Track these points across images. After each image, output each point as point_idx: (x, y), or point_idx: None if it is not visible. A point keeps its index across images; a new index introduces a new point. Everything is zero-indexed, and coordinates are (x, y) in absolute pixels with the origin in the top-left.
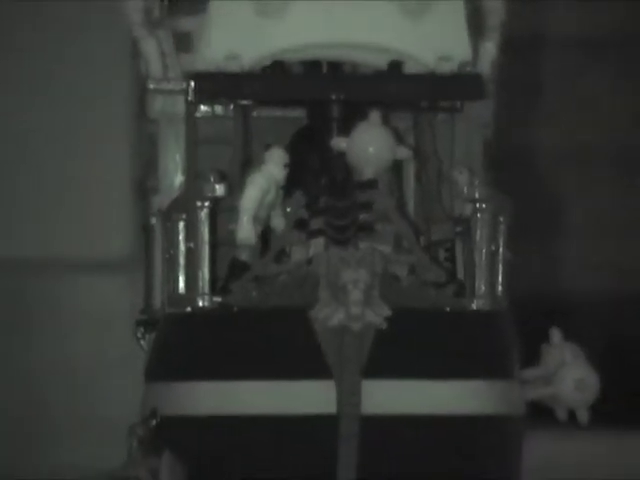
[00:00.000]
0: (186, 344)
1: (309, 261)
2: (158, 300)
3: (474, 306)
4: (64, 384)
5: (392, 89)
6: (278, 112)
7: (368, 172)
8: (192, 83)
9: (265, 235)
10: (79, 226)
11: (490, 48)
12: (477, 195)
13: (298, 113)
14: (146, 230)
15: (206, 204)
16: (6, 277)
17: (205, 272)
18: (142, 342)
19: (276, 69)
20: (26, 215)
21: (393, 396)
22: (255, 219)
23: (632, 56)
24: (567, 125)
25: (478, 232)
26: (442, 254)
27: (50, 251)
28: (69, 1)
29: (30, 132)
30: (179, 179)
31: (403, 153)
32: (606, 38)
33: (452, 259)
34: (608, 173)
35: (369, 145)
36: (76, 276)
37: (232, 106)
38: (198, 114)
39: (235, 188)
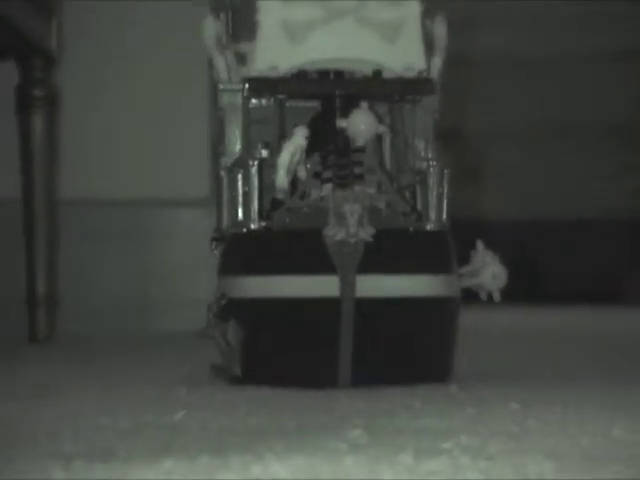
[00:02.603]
0: (243, 252)
1: (322, 199)
2: (225, 224)
3: (428, 227)
4: (165, 279)
5: (375, 88)
6: (302, 103)
7: (360, 141)
8: (247, 85)
9: (293, 182)
10: (175, 176)
11: (438, 61)
12: (430, 156)
13: (315, 104)
14: (217, 179)
15: (255, 162)
16: (124, 210)
17: (255, 206)
18: (215, 251)
19: (301, 75)
20: (136, 168)
21: (377, 285)
22: (287, 172)
23: (530, 69)
24: (488, 112)
25: (430, 180)
26: (408, 194)
27: (153, 193)
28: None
29: (149, 116)
30: (238, 146)
31: (382, 129)
32: (518, 57)
33: (414, 197)
34: (514, 143)
35: (361, 124)
36: (171, 209)
37: (272, 99)
38: (250, 105)
39: (274, 152)
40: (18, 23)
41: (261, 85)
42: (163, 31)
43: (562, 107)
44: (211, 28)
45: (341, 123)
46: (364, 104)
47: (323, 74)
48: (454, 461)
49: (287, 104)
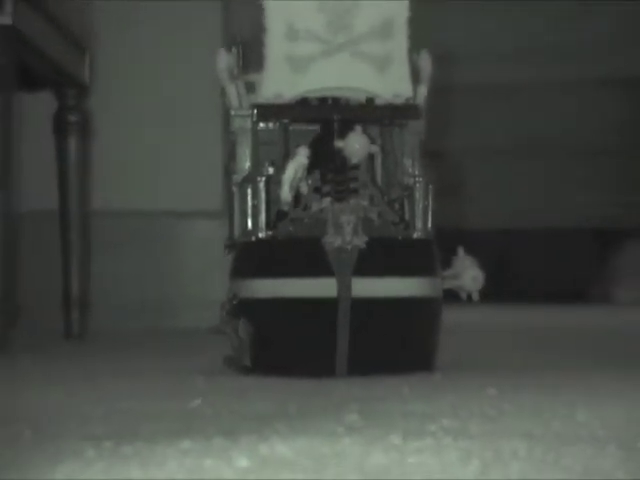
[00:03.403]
0: (252, 258)
1: (322, 211)
2: (236, 233)
3: (415, 236)
4: (183, 281)
5: (368, 113)
6: (304, 126)
7: (355, 160)
8: (255, 111)
9: (297, 196)
10: (192, 190)
11: (423, 90)
12: (416, 172)
13: (315, 127)
14: (229, 194)
15: (263, 179)
16: (147, 221)
17: (262, 217)
18: (227, 257)
19: (303, 102)
20: (157, 183)
21: (370, 287)
22: (291, 187)
23: (502, 97)
24: (467, 134)
25: (416, 194)
26: (397, 206)
27: (172, 205)
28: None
29: (169, 138)
30: (248, 165)
31: (374, 149)
32: (493, 86)
33: (402, 209)
34: (490, 161)
35: (355, 144)
36: (188, 220)
37: (278, 123)
38: (259, 128)
39: (280, 170)
40: (56, 58)
41: (268, 111)
42: (182, 64)
43: (531, 130)
44: (224, 61)
45: (338, 144)
46: (358, 127)
47: (322, 101)
48: (438, 441)
49: (291, 127)
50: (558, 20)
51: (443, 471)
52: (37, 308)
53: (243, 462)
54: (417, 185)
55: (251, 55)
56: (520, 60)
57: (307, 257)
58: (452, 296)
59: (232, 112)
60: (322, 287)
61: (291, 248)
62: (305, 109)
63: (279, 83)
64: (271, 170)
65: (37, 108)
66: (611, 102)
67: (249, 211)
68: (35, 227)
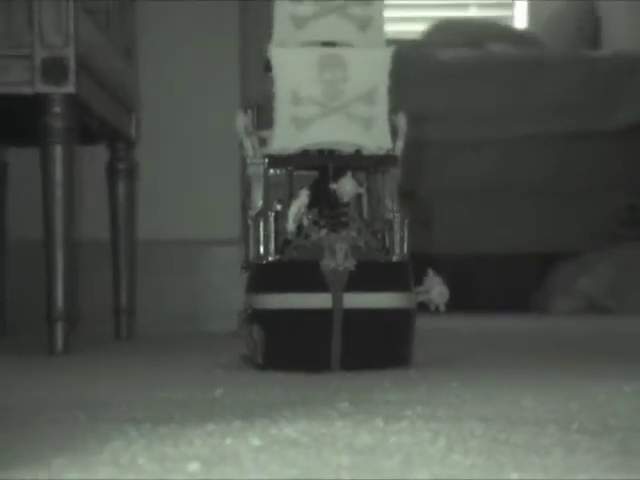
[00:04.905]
0: (263, 276)
1: (319, 239)
2: (251, 257)
3: (394, 259)
4: (209, 295)
5: (356, 162)
6: (305, 172)
7: (346, 199)
8: (266, 160)
9: (299, 228)
10: (216, 223)
11: (400, 144)
12: (394, 209)
13: (314, 173)
14: (245, 225)
15: (273, 214)
16: (181, 247)
17: (272, 244)
18: (243, 276)
19: (304, 153)
20: (188, 217)
21: (358, 300)
22: (295, 221)
23: (461, 149)
24: (434, 179)
25: (395, 226)
26: (379, 236)
27: (200, 235)
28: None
29: (198, 182)
30: (260, 202)
31: (361, 190)
32: (455, 141)
33: (383, 238)
34: (453, 201)
35: (346, 186)
36: (213, 246)
37: (284, 170)
38: (269, 174)
39: (286, 207)
40: (108, 118)
41: (277, 160)
42: (207, 123)
43: (485, 175)
44: (241, 120)
45: (332, 186)
46: (349, 173)
47: (320, 152)
48: (413, 424)
49: (295, 173)
50: (511, 86)
51: (417, 447)
52: (93, 316)
53: (256, 441)
54: (395, 219)
55: (263, 116)
56: (477, 120)
57: (307, 276)
58: (423, 308)
59: (248, 161)
60: (319, 300)
61: (295, 269)
62: (306, 159)
63: (286, 138)
64: (279, 207)
65: (93, 159)
66: (551, 154)
67: (261, 239)
68: (91, 253)
